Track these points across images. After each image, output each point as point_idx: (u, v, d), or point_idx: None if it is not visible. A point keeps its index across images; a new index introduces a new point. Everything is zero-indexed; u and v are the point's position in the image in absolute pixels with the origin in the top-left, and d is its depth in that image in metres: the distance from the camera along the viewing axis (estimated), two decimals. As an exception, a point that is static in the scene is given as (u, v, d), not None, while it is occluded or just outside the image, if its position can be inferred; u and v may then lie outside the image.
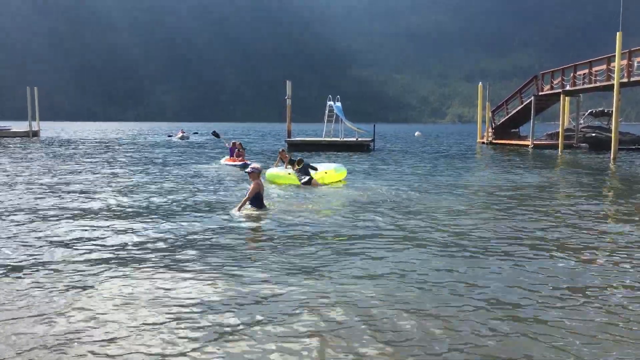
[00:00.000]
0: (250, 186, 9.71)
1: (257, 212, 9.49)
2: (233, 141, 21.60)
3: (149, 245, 7.25)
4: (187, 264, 6.28)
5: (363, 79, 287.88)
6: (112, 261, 6.40)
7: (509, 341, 4.19)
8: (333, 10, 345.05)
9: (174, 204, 10.72)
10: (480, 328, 4.42)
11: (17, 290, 5.34)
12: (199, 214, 9.56)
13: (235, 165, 18.77)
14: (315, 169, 13.83)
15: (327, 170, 14.17)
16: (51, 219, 9.05)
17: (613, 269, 6.22)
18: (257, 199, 9.68)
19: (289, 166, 14.37)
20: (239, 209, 9.48)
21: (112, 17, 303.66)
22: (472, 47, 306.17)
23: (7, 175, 15.85)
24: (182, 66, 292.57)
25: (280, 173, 14.11)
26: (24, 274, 5.88)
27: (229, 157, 20.62)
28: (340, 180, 14.31)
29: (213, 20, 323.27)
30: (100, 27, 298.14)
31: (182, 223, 8.73)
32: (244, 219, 9.07)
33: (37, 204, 10.53)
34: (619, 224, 8.94)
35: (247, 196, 9.62)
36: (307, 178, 13.29)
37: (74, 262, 6.34)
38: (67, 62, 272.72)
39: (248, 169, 9.92)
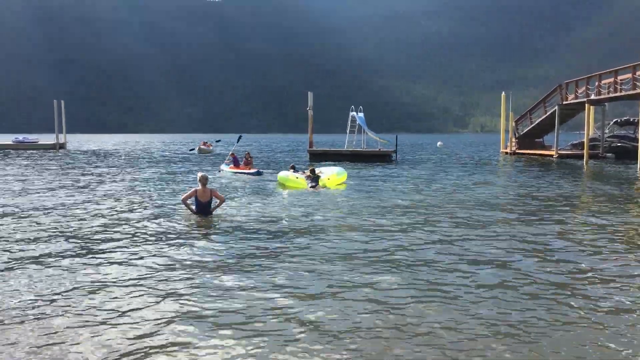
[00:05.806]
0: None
1: (194, 220, 9.85)
2: (232, 150, 23.52)
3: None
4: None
5: (383, 89, 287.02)
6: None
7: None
8: (349, 21, 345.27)
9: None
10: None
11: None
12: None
13: (249, 173, 20.12)
14: (319, 176, 15.96)
15: (330, 176, 16.37)
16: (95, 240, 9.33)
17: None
18: (198, 206, 10.11)
19: (304, 173, 16.46)
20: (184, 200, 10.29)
21: (125, 30, 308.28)
22: (494, 56, 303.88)
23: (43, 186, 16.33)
24: (198, 78, 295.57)
25: (290, 177, 16.29)
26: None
27: (232, 165, 21.85)
28: (341, 183, 16.48)
29: (229, 34, 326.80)
30: (114, 39, 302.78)
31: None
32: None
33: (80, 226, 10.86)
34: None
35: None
36: (314, 183, 15.37)
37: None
38: (79, 74, 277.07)
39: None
